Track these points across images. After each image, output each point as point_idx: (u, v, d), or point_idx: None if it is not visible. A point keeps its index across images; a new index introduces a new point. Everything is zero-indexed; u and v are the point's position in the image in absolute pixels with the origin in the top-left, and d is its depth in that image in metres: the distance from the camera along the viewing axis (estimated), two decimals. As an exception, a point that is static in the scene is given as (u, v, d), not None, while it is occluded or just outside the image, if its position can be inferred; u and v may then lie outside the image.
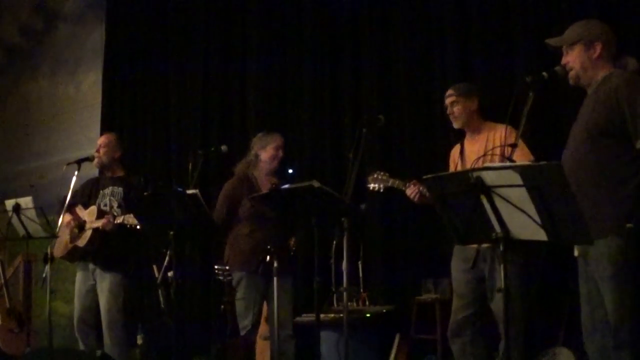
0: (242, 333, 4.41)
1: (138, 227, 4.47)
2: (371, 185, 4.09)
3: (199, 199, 3.87)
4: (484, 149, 3.76)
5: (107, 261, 4.76)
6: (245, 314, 4.35)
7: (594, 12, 4.35)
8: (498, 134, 3.78)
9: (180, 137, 6.54)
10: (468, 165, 3.79)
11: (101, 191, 4.88)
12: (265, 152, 4.54)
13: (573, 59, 3.10)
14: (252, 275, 4.27)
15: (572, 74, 3.11)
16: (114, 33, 7.22)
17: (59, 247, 4.86)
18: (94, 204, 4.81)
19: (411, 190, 3.90)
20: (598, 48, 3.06)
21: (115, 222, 4.58)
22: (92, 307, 4.83)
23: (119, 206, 4.76)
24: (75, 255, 4.82)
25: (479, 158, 3.55)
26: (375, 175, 4.09)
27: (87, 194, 4.94)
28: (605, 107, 2.97)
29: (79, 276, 4.90)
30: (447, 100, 3.96)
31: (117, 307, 4.74)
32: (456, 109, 3.92)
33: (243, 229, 4.40)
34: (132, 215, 4.50)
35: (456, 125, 3.96)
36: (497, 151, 3.64)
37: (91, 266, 4.81)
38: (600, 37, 3.08)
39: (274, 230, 4.28)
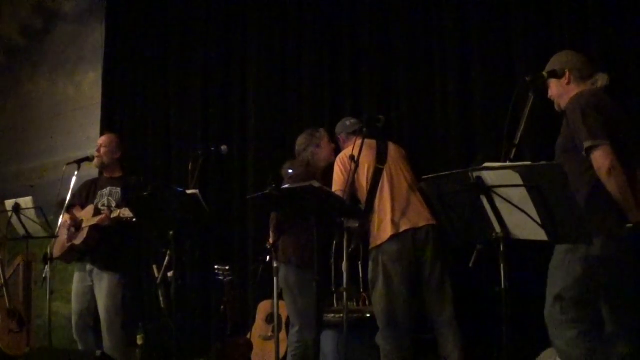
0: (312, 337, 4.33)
1: (134, 219, 4.46)
2: None
3: (199, 199, 3.87)
4: None
5: (104, 260, 4.75)
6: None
7: (593, 12, 4.36)
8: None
9: (180, 137, 6.54)
10: None
11: (99, 192, 4.88)
12: (321, 149, 4.55)
13: (552, 91, 3.37)
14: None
15: (556, 103, 3.37)
16: (114, 33, 7.22)
17: (57, 247, 4.86)
18: (92, 204, 4.81)
19: None
20: (566, 75, 3.29)
21: (112, 216, 4.57)
22: (90, 308, 4.82)
23: (117, 206, 4.76)
24: (72, 254, 4.81)
25: None
26: None
27: (85, 195, 4.93)
28: (565, 126, 3.20)
29: (76, 277, 4.89)
30: None
31: (115, 307, 4.73)
32: None
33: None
34: (127, 209, 4.49)
35: None
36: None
37: (89, 267, 4.80)
38: (568, 64, 3.31)
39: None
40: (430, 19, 5.18)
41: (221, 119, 6.33)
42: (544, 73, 3.23)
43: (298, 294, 4.36)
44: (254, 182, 5.82)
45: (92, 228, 4.64)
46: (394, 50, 5.35)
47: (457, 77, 4.93)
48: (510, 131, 2.91)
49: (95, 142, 5.17)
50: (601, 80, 3.28)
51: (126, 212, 4.50)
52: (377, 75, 5.39)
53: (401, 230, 3.98)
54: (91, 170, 5.46)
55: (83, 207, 4.83)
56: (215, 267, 5.42)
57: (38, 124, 8.03)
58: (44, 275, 4.78)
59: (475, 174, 2.50)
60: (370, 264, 4.11)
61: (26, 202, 4.90)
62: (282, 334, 4.81)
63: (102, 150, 4.95)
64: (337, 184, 4.06)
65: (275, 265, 4.40)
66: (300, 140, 4.63)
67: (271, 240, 4.50)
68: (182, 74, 6.64)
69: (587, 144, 3.00)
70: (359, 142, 3.87)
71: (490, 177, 2.48)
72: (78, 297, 4.85)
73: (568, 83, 3.30)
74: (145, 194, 4.38)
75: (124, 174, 4.98)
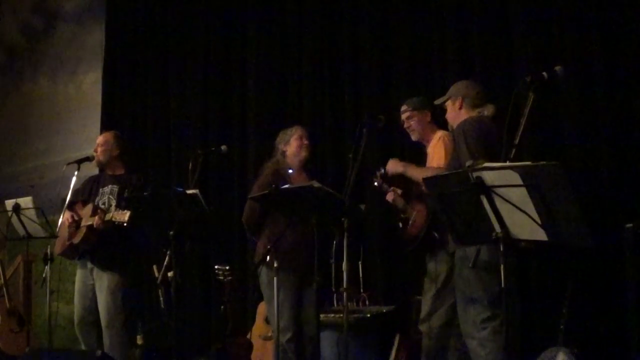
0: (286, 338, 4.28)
1: (125, 224, 4.44)
2: (375, 182, 4.37)
3: (199, 199, 3.87)
4: (429, 159, 4.14)
5: (103, 260, 4.75)
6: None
7: (592, 12, 4.36)
8: (436, 141, 4.15)
9: (180, 137, 6.54)
10: None
11: (101, 189, 4.88)
12: (289, 145, 4.53)
13: (448, 114, 3.84)
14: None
15: (449, 125, 3.83)
16: (114, 33, 7.22)
17: (59, 244, 4.86)
18: (94, 202, 4.81)
19: (389, 197, 4.26)
20: (458, 102, 3.78)
21: (105, 219, 4.56)
22: (92, 306, 4.82)
23: (117, 205, 4.75)
24: (72, 252, 4.81)
25: None
26: (377, 173, 4.32)
27: (87, 192, 4.94)
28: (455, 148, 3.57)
29: (78, 275, 4.89)
30: (403, 116, 4.30)
31: (115, 307, 4.73)
32: (413, 123, 4.25)
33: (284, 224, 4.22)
34: (120, 212, 4.48)
35: (413, 138, 4.30)
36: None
37: (89, 265, 4.81)
38: (461, 92, 3.79)
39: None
40: (430, 19, 5.18)
41: (221, 119, 6.34)
42: (544, 73, 3.22)
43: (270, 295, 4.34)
44: (254, 182, 5.81)
45: (89, 228, 4.64)
46: (394, 50, 5.35)
47: (457, 78, 4.92)
48: (510, 131, 2.91)
49: (95, 142, 5.17)
50: (487, 110, 3.71)
51: (118, 216, 4.47)
52: (377, 75, 5.39)
53: None
54: (91, 170, 5.46)
55: (85, 204, 4.83)
56: (215, 267, 5.42)
57: (38, 124, 8.03)
58: (44, 275, 4.79)
59: (475, 174, 2.50)
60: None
61: (26, 202, 4.91)
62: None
63: (99, 149, 4.96)
64: (441, 160, 4.03)
65: (275, 265, 4.40)
66: (276, 140, 4.64)
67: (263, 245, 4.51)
68: (182, 73, 6.64)
69: (467, 163, 3.07)
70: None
71: (490, 177, 2.48)
72: (80, 295, 4.85)
73: (460, 108, 3.76)
74: (145, 194, 4.38)
75: (126, 171, 4.98)
